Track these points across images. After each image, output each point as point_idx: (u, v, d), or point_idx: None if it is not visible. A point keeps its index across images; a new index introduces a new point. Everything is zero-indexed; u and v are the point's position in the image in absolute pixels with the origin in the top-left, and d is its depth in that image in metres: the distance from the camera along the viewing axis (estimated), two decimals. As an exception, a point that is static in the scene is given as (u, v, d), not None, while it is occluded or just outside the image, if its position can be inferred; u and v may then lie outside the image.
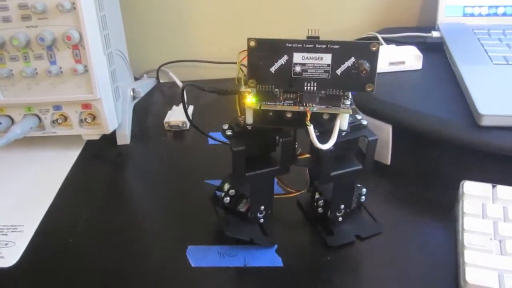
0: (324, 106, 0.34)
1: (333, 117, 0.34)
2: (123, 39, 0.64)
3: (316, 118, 0.34)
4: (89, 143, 0.57)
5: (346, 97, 0.34)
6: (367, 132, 0.37)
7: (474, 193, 0.41)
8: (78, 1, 0.47)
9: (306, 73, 0.33)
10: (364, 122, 0.38)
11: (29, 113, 0.53)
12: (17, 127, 0.52)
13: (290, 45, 0.33)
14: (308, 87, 0.34)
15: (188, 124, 0.60)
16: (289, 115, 0.34)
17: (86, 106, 0.53)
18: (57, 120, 0.54)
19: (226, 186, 0.40)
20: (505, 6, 0.63)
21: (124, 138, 0.57)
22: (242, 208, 0.40)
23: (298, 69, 0.33)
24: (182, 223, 0.44)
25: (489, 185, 0.41)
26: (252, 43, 0.34)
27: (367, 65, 0.32)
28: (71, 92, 0.51)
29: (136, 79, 0.72)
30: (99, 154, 0.56)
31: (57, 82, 0.51)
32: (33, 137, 0.55)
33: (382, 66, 0.55)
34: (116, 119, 0.56)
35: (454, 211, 0.42)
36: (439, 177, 0.47)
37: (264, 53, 0.33)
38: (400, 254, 0.39)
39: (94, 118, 0.54)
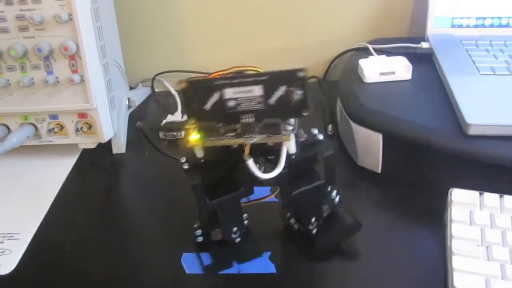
0: (265, 135, 0.34)
1: (280, 143, 0.35)
2: (118, 49, 0.65)
3: (264, 146, 0.35)
4: (85, 152, 0.58)
5: (287, 123, 0.35)
6: (323, 147, 0.37)
7: (462, 200, 0.42)
8: (75, 12, 0.48)
9: (240, 106, 0.34)
10: (320, 137, 0.38)
11: (25, 122, 0.54)
12: (14, 136, 0.52)
13: (219, 83, 0.34)
14: (245, 120, 0.34)
15: (183, 133, 0.61)
16: (235, 146, 0.35)
17: (82, 115, 0.54)
18: (53, 129, 0.54)
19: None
20: (492, 18, 0.65)
21: (119, 146, 0.58)
22: (217, 236, 0.41)
23: (232, 103, 0.34)
24: (177, 231, 0.45)
25: (477, 193, 0.42)
26: (184, 85, 0.34)
27: (297, 93, 0.33)
28: (67, 101, 0.52)
29: (131, 88, 0.72)
30: (95, 163, 0.57)
31: (54, 91, 0.52)
32: (29, 146, 0.55)
33: (373, 76, 0.57)
34: (112, 128, 0.56)
35: (442, 218, 0.43)
36: (428, 184, 0.48)
37: (196, 93, 0.34)
38: (390, 260, 0.40)
39: (90, 127, 0.54)
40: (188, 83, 0.34)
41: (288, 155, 0.35)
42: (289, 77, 0.33)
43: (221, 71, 0.38)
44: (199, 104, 0.34)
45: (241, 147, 0.35)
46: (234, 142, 0.34)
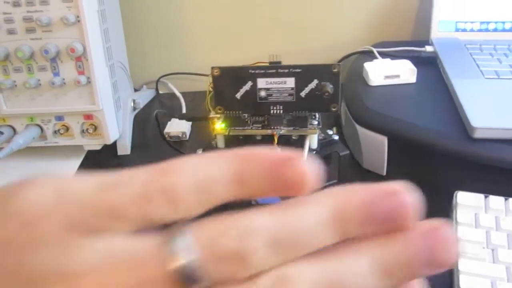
0: (292, 128, 0.35)
1: (303, 137, 0.35)
2: (124, 51, 0.66)
3: (286, 139, 0.35)
4: (90, 153, 0.58)
5: (313, 117, 0.35)
6: (339, 147, 0.38)
7: (467, 203, 0.42)
8: (82, 14, 0.48)
9: (271, 97, 0.34)
10: (336, 137, 0.38)
11: (31, 123, 0.54)
12: (20, 137, 0.53)
13: (253, 72, 0.34)
14: (275, 111, 0.35)
15: (188, 134, 0.61)
16: (259, 137, 0.35)
17: (88, 116, 0.54)
18: (59, 130, 0.55)
19: None
20: (495, 22, 0.65)
21: (124, 148, 0.58)
22: None
23: (263, 93, 0.34)
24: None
25: (482, 196, 0.42)
26: (216, 72, 0.35)
27: (329, 87, 0.33)
28: (73, 103, 0.52)
29: (136, 90, 0.73)
30: (100, 164, 0.57)
31: (60, 93, 0.52)
32: (35, 147, 0.56)
33: (378, 79, 0.57)
34: (117, 130, 0.57)
35: (448, 220, 0.43)
36: (433, 187, 0.48)
37: (228, 81, 0.34)
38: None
39: (95, 128, 0.55)
40: (221, 70, 0.34)
41: (310, 150, 0.35)
42: (323, 72, 0.34)
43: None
44: (230, 92, 0.34)
45: (264, 139, 0.35)
46: (262, 132, 0.35)
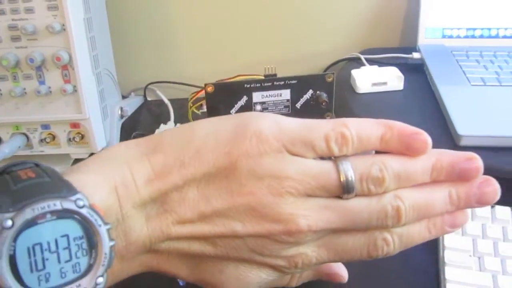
0: None
1: None
2: (111, 58, 0.65)
3: None
4: (77, 162, 0.57)
5: None
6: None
7: (454, 211, 0.42)
8: (68, 22, 0.48)
9: (266, 110, 0.34)
10: None
11: (17, 132, 0.54)
12: (5, 146, 0.52)
13: (248, 86, 0.34)
14: None
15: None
16: None
17: (75, 125, 0.53)
18: (45, 139, 0.54)
19: None
20: (482, 29, 0.66)
21: (112, 156, 0.58)
22: None
23: (258, 107, 0.34)
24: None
25: (468, 203, 0.42)
26: (210, 89, 0.34)
27: (325, 96, 0.34)
28: (60, 111, 0.52)
29: (124, 97, 0.72)
30: (86, 173, 0.57)
31: (46, 101, 0.51)
32: (21, 156, 0.55)
33: (365, 86, 0.57)
34: (104, 138, 0.56)
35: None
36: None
37: (223, 97, 0.34)
38: (383, 271, 0.40)
39: (82, 137, 0.54)
40: (215, 86, 0.34)
41: None
42: (317, 81, 0.34)
43: (225, 79, 0.38)
44: (224, 109, 0.34)
45: None
46: None
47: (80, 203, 0.23)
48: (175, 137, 0.28)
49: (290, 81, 0.34)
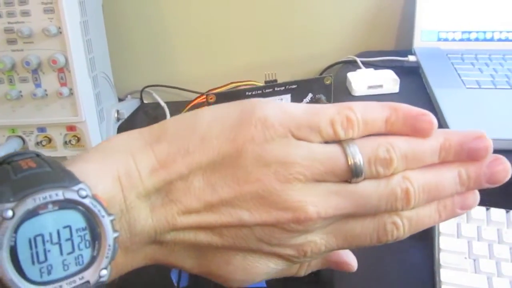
0: None
1: None
2: (107, 61, 0.65)
3: None
4: (73, 165, 0.57)
5: None
6: None
7: (449, 213, 0.42)
8: (64, 25, 0.48)
9: None
10: None
11: (13, 135, 0.54)
12: (1, 149, 0.52)
13: (249, 93, 0.34)
14: None
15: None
16: None
17: (71, 128, 0.53)
18: (41, 142, 0.54)
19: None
20: (477, 32, 0.66)
21: (108, 159, 0.58)
22: None
23: None
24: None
25: (464, 205, 0.42)
26: (211, 99, 0.34)
27: (324, 99, 0.34)
28: (56, 114, 0.52)
29: (120, 99, 0.72)
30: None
31: (42, 104, 0.51)
32: (16, 159, 0.55)
33: (361, 89, 0.57)
34: (101, 141, 0.56)
35: (431, 230, 0.43)
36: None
37: None
38: (378, 273, 0.40)
39: (78, 140, 0.54)
40: (217, 96, 0.34)
41: None
42: (316, 84, 0.34)
43: (216, 88, 0.38)
44: None
45: None
46: None
47: (83, 193, 0.23)
48: (179, 125, 0.28)
49: (290, 86, 0.34)
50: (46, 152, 0.55)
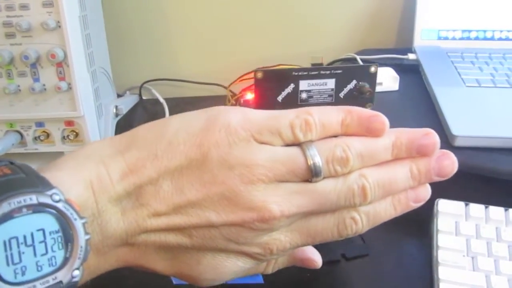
0: None
1: None
2: (106, 57, 0.65)
3: None
4: (71, 160, 0.57)
5: None
6: None
7: (447, 211, 0.42)
8: (63, 19, 0.48)
9: (311, 99, 0.35)
10: None
11: (11, 130, 0.53)
12: (-1, 143, 0.52)
13: (296, 74, 0.35)
14: None
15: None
16: None
17: (69, 123, 0.53)
18: (39, 136, 0.54)
19: None
20: (477, 31, 0.66)
21: (106, 155, 0.58)
22: None
23: (304, 95, 0.35)
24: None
25: (462, 203, 0.42)
26: (259, 75, 0.35)
27: (367, 86, 0.34)
28: (54, 109, 0.52)
29: (118, 95, 0.72)
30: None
31: (40, 99, 0.51)
32: (14, 154, 0.55)
33: (361, 87, 0.57)
34: (99, 136, 0.56)
35: (429, 228, 0.43)
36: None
37: (271, 83, 0.35)
38: (377, 270, 0.40)
39: (77, 135, 0.54)
40: (264, 72, 0.35)
41: None
42: (361, 72, 0.34)
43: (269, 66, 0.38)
44: (271, 95, 0.35)
45: None
46: None
47: (56, 197, 0.24)
48: (148, 132, 0.29)
49: (336, 71, 0.35)
50: (44, 147, 0.55)
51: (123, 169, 0.27)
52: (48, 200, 0.24)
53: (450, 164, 0.30)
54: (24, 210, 0.23)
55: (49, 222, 0.24)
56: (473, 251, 0.39)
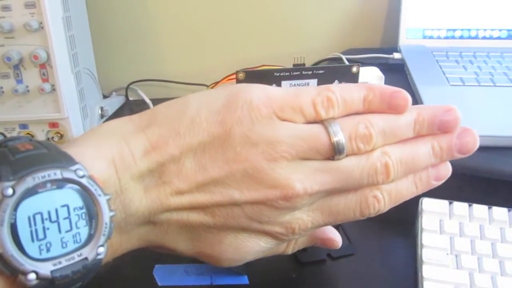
0: None
1: None
2: (91, 57, 0.65)
3: None
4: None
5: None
6: None
7: (432, 209, 0.42)
8: (46, 21, 0.47)
9: None
10: None
11: (-6, 132, 0.53)
12: (-18, 146, 0.51)
13: (278, 74, 0.35)
14: None
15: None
16: None
17: (53, 125, 0.53)
18: (23, 139, 0.53)
19: None
20: (462, 30, 0.67)
21: (91, 156, 0.57)
22: None
23: None
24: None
25: (446, 202, 0.43)
26: (241, 76, 0.35)
27: None
28: (38, 111, 0.51)
29: (105, 96, 0.71)
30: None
31: (24, 101, 0.51)
32: (-2, 156, 0.54)
33: (346, 86, 0.57)
34: (84, 138, 0.56)
35: (414, 227, 0.44)
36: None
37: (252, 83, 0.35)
38: (361, 269, 0.40)
39: (61, 136, 0.53)
40: (246, 73, 0.34)
41: None
42: (343, 72, 0.34)
43: (251, 68, 0.38)
44: None
45: None
46: None
47: (80, 173, 0.23)
48: (169, 110, 0.29)
49: (318, 71, 0.35)
50: (28, 149, 0.54)
51: (145, 146, 0.27)
52: (72, 175, 0.23)
53: (471, 140, 0.30)
54: (48, 185, 0.23)
55: (73, 198, 0.23)
56: (457, 249, 0.39)
